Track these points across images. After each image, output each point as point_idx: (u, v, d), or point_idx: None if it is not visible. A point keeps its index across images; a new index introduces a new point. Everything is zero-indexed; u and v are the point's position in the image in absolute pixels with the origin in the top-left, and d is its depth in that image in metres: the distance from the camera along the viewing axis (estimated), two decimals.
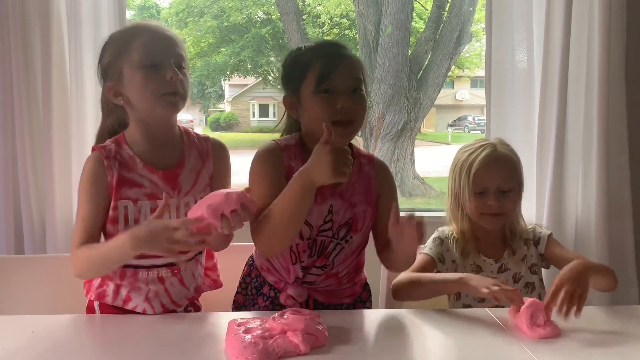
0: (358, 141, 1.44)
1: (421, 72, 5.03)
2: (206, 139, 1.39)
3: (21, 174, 1.85)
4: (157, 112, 1.27)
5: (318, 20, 7.14)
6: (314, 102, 1.26)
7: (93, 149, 1.31)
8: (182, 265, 1.30)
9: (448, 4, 5.00)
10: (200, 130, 1.75)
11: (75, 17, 1.83)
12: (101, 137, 1.36)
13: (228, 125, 10.84)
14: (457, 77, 9.55)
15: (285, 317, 1.06)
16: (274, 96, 9.68)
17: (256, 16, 7.85)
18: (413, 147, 5.17)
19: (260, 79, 9.09)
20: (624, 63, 1.88)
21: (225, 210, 1.08)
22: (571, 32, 1.84)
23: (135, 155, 1.29)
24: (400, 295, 1.38)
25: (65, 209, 1.88)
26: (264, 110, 10.97)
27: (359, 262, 1.39)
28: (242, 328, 1.04)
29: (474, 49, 7.80)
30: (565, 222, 1.95)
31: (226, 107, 11.35)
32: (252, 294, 1.38)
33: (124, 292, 1.30)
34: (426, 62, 5.03)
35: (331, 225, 1.31)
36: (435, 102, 5.40)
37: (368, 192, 1.35)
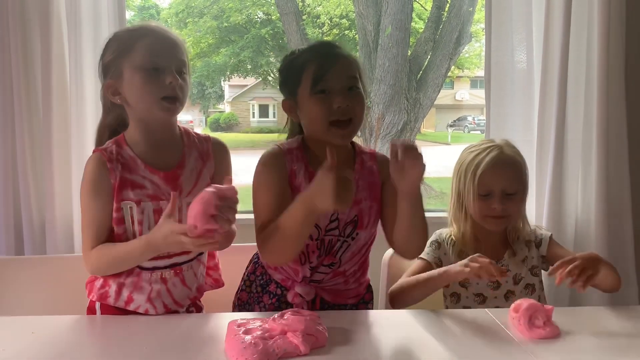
0: (358, 141, 1.43)
1: (421, 72, 5.02)
2: (207, 139, 1.38)
3: (21, 174, 1.85)
4: (153, 114, 1.27)
5: (318, 20, 7.15)
6: (311, 104, 1.26)
7: (94, 151, 1.30)
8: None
9: (448, 5, 5.00)
10: (200, 130, 1.74)
11: (75, 17, 1.83)
12: (101, 134, 1.35)
13: (228, 125, 10.85)
14: (456, 77, 9.57)
15: (285, 317, 1.06)
16: (274, 97, 9.69)
17: (256, 17, 7.86)
18: None
19: (260, 79, 9.09)
20: (624, 63, 1.88)
21: (211, 211, 1.08)
22: (570, 33, 1.85)
23: (136, 157, 1.29)
24: (396, 303, 1.40)
25: (65, 209, 1.88)
26: (263, 110, 10.98)
27: (364, 262, 1.39)
28: (242, 329, 1.04)
29: (474, 49, 7.81)
30: (565, 222, 1.95)
31: (226, 107, 11.36)
32: (257, 291, 1.38)
33: (126, 292, 1.30)
34: (426, 63, 5.03)
35: (337, 224, 1.31)
36: (435, 103, 5.40)
37: (372, 187, 1.35)
